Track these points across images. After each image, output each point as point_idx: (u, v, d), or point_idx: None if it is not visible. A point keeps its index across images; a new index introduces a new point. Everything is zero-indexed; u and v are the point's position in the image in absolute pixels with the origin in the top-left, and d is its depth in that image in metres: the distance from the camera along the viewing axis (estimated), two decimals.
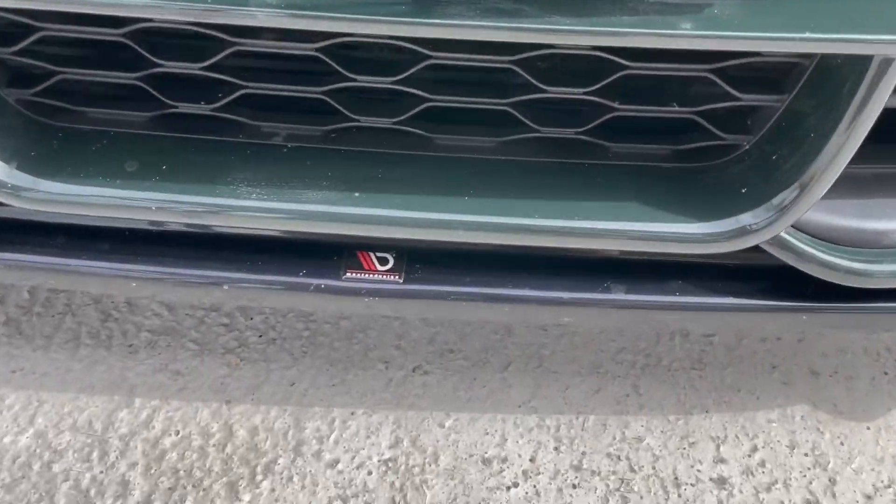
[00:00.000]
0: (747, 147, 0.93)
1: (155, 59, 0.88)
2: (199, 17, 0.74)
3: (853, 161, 0.89)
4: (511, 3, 0.74)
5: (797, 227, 0.93)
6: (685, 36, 0.73)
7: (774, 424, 1.18)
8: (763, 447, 1.16)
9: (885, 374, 1.25)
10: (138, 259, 0.98)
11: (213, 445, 1.15)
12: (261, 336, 1.28)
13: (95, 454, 1.13)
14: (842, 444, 1.16)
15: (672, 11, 0.74)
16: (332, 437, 1.16)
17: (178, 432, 1.16)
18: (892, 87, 0.78)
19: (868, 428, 1.18)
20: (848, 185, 0.95)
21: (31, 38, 0.87)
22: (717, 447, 1.16)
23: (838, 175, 0.85)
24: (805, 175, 0.85)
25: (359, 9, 0.73)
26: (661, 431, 1.17)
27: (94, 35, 0.88)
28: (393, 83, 0.89)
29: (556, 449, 1.15)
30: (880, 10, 0.74)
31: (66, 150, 0.92)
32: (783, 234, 0.91)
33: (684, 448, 1.15)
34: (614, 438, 1.16)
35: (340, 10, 0.73)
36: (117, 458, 1.13)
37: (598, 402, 1.21)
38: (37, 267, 0.98)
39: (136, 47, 0.87)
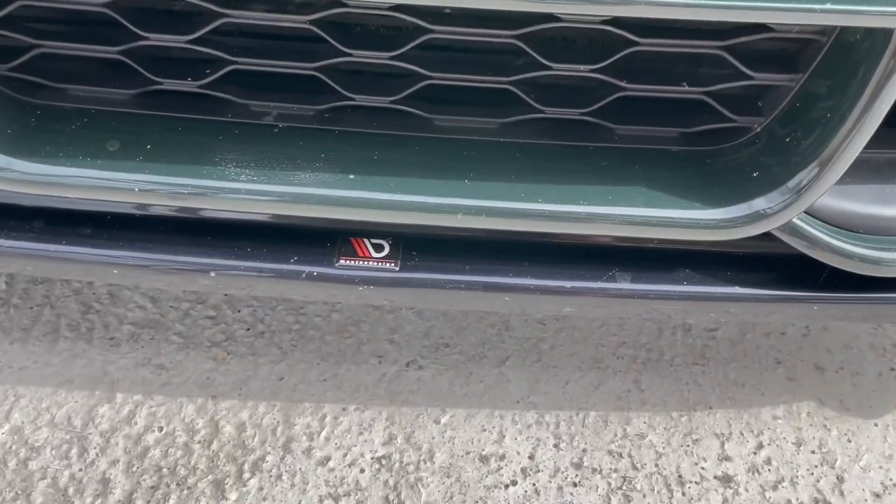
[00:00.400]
0: (758, 130, 0.89)
1: (139, 32, 0.84)
2: None
3: (867, 145, 0.87)
4: None
5: (809, 213, 0.90)
6: (701, 6, 0.70)
7: (780, 421, 1.15)
8: (769, 444, 1.13)
9: (892, 370, 1.22)
10: (121, 244, 0.94)
11: (199, 442, 1.10)
12: (248, 329, 1.23)
13: (74, 451, 1.09)
14: (849, 441, 1.13)
15: None
16: (323, 433, 1.12)
17: (161, 428, 1.12)
18: None
19: (875, 425, 1.15)
20: (862, 170, 0.92)
21: (9, 8, 0.83)
22: (722, 444, 1.12)
23: (855, 158, 0.82)
24: (820, 158, 0.82)
25: None
26: (664, 428, 1.13)
27: (76, 5, 0.84)
28: (390, 59, 0.85)
29: (555, 446, 1.11)
30: None
31: (45, 129, 0.87)
32: (795, 221, 0.88)
33: (688, 445, 1.12)
34: (616, 435, 1.13)
35: None
36: (97, 455, 1.08)
37: (599, 397, 1.17)
38: (13, 252, 0.94)
39: (120, 19, 0.83)
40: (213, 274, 0.94)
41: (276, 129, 0.90)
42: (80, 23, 0.87)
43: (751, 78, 0.85)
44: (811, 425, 1.15)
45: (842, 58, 0.81)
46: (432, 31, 0.83)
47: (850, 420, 1.16)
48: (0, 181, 0.84)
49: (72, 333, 1.21)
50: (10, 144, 0.86)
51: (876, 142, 0.87)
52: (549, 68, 0.85)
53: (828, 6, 0.71)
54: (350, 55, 0.85)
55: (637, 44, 0.83)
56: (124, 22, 0.83)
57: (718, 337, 1.25)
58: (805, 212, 0.90)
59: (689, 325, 1.25)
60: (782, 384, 1.20)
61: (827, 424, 1.15)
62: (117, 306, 1.24)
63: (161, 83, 0.88)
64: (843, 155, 0.81)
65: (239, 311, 1.25)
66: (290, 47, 0.88)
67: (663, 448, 1.12)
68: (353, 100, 0.89)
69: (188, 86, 0.88)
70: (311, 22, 0.83)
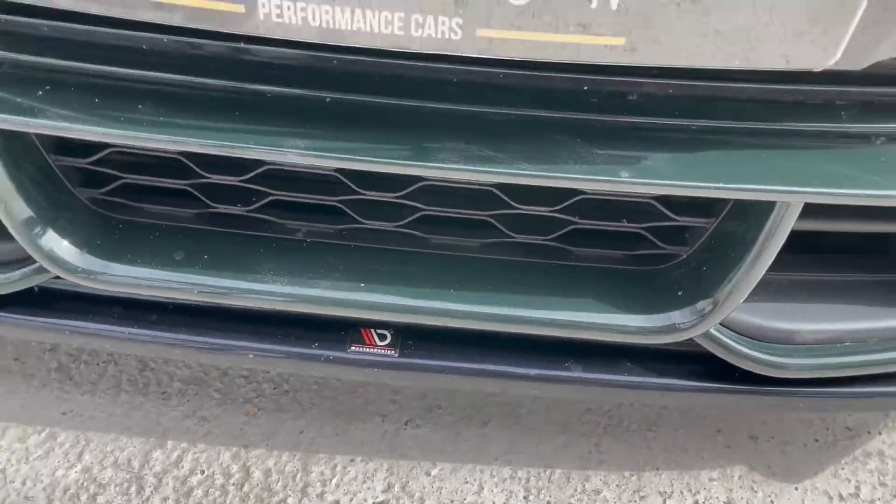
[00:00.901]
0: (684, 256, 1.09)
1: (203, 173, 1.06)
2: (248, 154, 0.92)
3: (775, 270, 1.07)
4: (489, 152, 0.91)
5: (724, 325, 1.10)
6: (624, 182, 0.91)
7: (715, 483, 1.34)
8: (703, 502, 1.32)
9: (816, 440, 1.41)
10: (180, 329, 1.16)
11: (233, 484, 1.31)
12: (276, 388, 1.44)
13: (133, 489, 1.29)
14: (772, 502, 1.32)
15: (615, 161, 0.92)
16: (334, 480, 1.33)
17: (203, 472, 1.32)
18: (793, 221, 0.94)
19: (796, 488, 1.34)
20: (769, 290, 1.12)
21: (103, 153, 1.06)
22: (664, 501, 1.31)
23: (753, 286, 1.01)
24: (725, 285, 1.02)
25: (372, 153, 0.91)
26: (617, 485, 1.33)
27: (154, 151, 1.07)
28: (394, 197, 1.07)
29: (525, 498, 1.31)
30: (778, 165, 0.91)
31: (126, 240, 1.09)
32: (712, 330, 1.08)
33: (635, 501, 1.31)
34: (576, 490, 1.32)
35: (357, 153, 0.91)
36: (151, 493, 1.29)
37: (565, 457, 1.37)
38: (96, 333, 1.16)
39: (188, 163, 1.06)
40: (251, 356, 1.16)
41: (304, 244, 1.12)
42: (156, 158, 1.10)
43: (675, 220, 1.06)
44: (741, 487, 1.34)
45: (743, 210, 1.01)
46: (426, 179, 1.05)
47: (776, 484, 1.34)
48: (97, 282, 1.06)
49: (131, 388, 1.42)
50: (100, 253, 1.09)
51: (781, 267, 1.08)
52: (518, 208, 1.07)
53: (720, 185, 0.91)
54: (364, 194, 1.07)
55: (585, 193, 1.04)
56: (191, 165, 1.06)
57: (671, 406, 1.45)
58: (721, 323, 1.11)
59: None
60: (720, 450, 1.39)
61: (755, 487, 1.34)
62: (168, 365, 1.46)
63: (217, 207, 1.11)
64: (743, 283, 1.00)
65: (268, 372, 1.46)
66: (318, 179, 1.11)
67: (615, 502, 1.32)
68: (366, 223, 1.11)
69: (238, 210, 1.11)
70: (336, 169, 1.06)
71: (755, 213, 0.98)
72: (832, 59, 0.78)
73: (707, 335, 1.07)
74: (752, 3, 0.73)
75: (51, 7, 0.82)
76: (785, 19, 0.74)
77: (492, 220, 1.08)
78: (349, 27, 0.76)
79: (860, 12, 0.73)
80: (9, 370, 1.43)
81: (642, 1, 0.73)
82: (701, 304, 1.03)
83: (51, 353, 1.45)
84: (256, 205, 1.09)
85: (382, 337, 1.15)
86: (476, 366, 1.14)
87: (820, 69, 0.79)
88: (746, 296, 1.02)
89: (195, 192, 1.08)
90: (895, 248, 1.14)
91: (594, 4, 0.73)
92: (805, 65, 0.78)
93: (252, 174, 1.05)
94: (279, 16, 0.76)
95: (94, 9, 0.79)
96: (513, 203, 1.04)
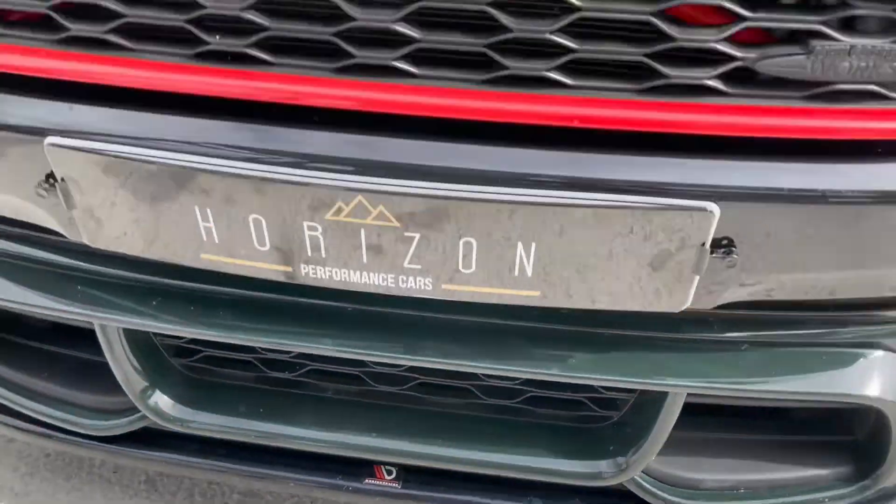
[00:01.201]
0: (615, 419, 1.42)
1: (260, 350, 1.45)
2: (290, 348, 1.30)
3: (687, 430, 1.39)
4: (459, 350, 1.27)
5: (647, 473, 1.41)
6: (552, 374, 1.25)
7: None
8: None
9: None
10: (240, 461, 1.52)
11: None
12: (313, 502, 1.79)
13: None
14: None
15: (547, 358, 1.26)
16: None
17: None
18: (682, 400, 1.25)
19: None
20: (683, 447, 1.42)
21: (187, 338, 1.45)
22: None
23: (660, 447, 1.31)
24: (640, 444, 1.32)
25: (378, 349, 1.28)
26: None
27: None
28: (398, 371, 1.43)
29: None
30: (667, 364, 1.24)
31: (207, 397, 1.47)
32: (636, 477, 1.40)
33: None
34: None
35: (368, 349, 1.27)
36: None
37: None
38: (177, 463, 1.53)
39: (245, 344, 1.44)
40: (292, 483, 1.51)
41: (332, 401, 1.49)
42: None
43: (604, 394, 1.39)
44: None
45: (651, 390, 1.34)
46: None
47: None
48: (186, 428, 1.44)
49: (201, 498, 1.76)
50: (187, 405, 1.48)
51: (692, 428, 1.40)
52: (488, 381, 1.42)
53: (629, 378, 1.24)
54: (376, 367, 1.44)
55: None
56: (252, 345, 1.45)
57: None
58: (644, 471, 1.42)
59: None
60: None
61: None
62: (230, 481, 1.82)
63: (270, 373, 1.49)
64: (652, 444, 1.30)
65: None
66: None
67: None
68: (376, 386, 1.47)
69: (285, 375, 1.48)
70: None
71: (658, 393, 1.30)
72: (685, 306, 1.12)
73: (633, 480, 1.38)
74: (620, 275, 1.09)
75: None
76: (647, 284, 1.09)
77: (470, 387, 1.43)
78: (359, 282, 1.14)
79: (695, 284, 1.08)
80: (109, 481, 1.80)
81: (549, 271, 1.09)
82: (621, 459, 1.34)
83: (141, 468, 1.83)
84: (298, 372, 1.46)
85: (389, 472, 1.49)
86: (460, 497, 1.46)
87: (678, 311, 1.13)
88: (656, 453, 1.32)
89: (257, 364, 1.47)
90: (780, 415, 1.44)
91: (516, 273, 1.10)
92: (667, 309, 1.12)
93: (294, 352, 1.43)
94: (314, 274, 1.15)
95: (195, 265, 1.18)
96: (484, 378, 1.40)
